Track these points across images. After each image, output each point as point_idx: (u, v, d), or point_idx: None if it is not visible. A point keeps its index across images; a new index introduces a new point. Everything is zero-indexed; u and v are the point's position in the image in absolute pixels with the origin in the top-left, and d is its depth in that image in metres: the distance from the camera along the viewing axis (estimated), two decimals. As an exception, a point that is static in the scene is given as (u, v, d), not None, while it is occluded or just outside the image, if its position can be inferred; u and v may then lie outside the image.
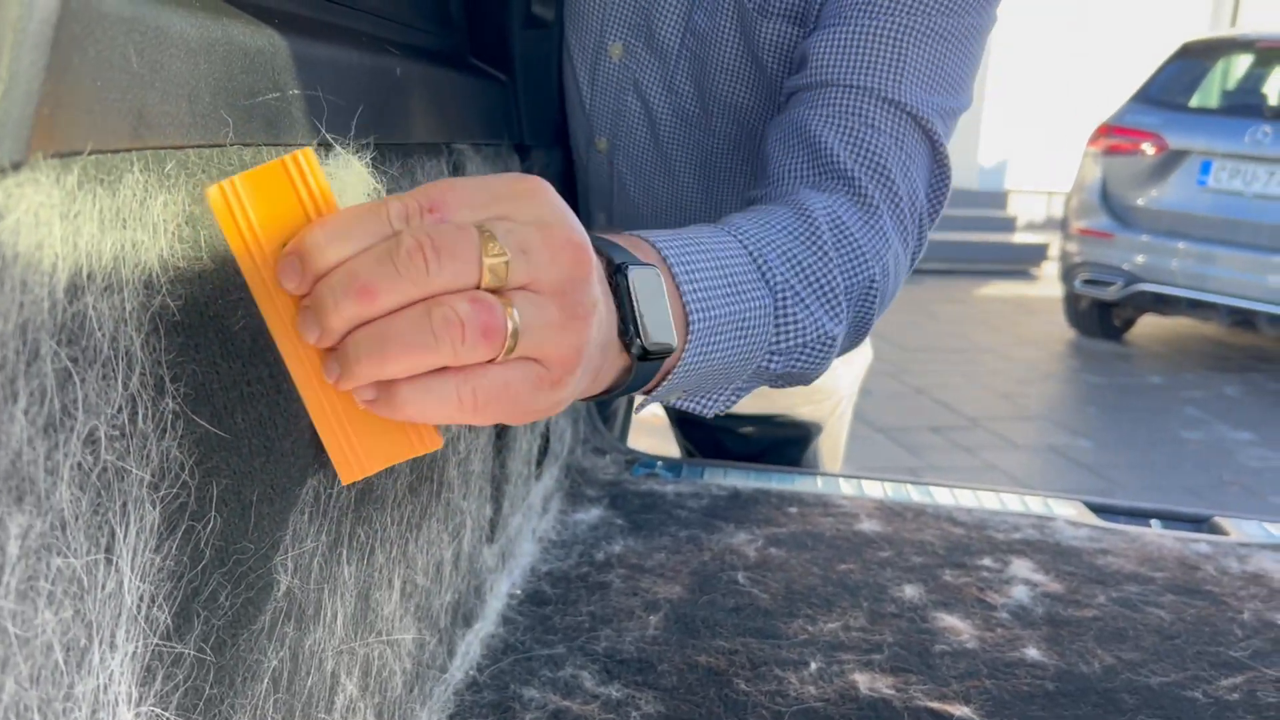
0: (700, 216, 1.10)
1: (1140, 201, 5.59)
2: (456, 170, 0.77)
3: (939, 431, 4.37)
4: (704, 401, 0.71)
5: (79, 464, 0.34)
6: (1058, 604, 0.95)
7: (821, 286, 0.70)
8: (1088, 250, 5.72)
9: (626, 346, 0.52)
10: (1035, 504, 1.21)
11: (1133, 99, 5.80)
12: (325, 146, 0.58)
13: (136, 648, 0.37)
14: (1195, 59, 5.84)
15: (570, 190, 1.12)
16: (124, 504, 0.36)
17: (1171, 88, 5.76)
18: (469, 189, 0.43)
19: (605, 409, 1.34)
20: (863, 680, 0.79)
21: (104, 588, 0.35)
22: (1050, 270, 7.82)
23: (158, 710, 0.39)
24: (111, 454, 0.36)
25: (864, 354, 1.34)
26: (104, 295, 0.35)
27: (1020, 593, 0.97)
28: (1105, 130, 5.77)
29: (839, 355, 0.76)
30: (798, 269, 0.70)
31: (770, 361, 0.69)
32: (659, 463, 1.25)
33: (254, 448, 0.43)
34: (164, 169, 0.40)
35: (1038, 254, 8.74)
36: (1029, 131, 9.55)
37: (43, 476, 0.31)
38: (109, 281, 0.35)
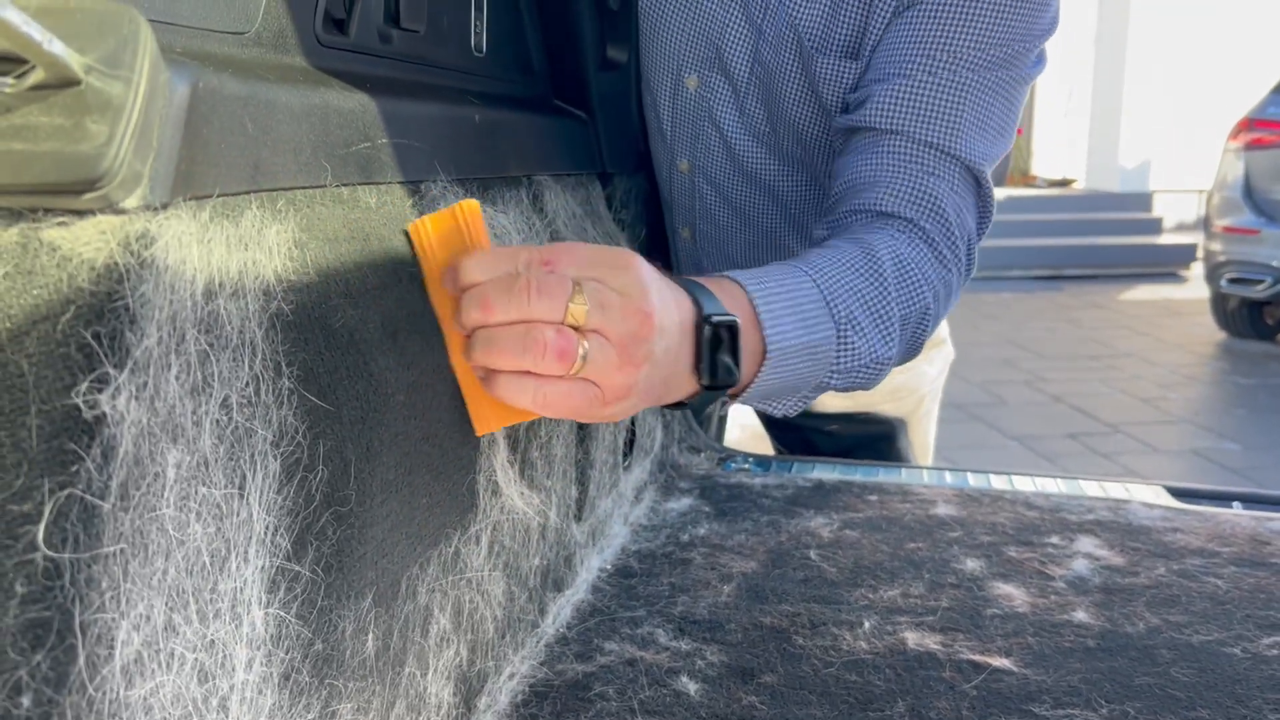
0: (773, 222, 1.21)
1: (1288, 195, 5.39)
2: (535, 199, 0.90)
3: (1076, 438, 4.31)
4: (776, 406, 0.87)
5: (217, 421, 0.46)
6: (1115, 574, 1.01)
7: (879, 315, 0.85)
8: (1233, 248, 5.55)
9: (698, 378, 0.69)
10: (1114, 489, 1.26)
11: (1275, 90, 5.61)
12: (415, 184, 0.71)
13: (264, 563, 0.50)
14: (1342, 44, 5.61)
15: (655, 211, 1.23)
16: (252, 455, 0.49)
17: (1317, 76, 5.55)
18: (579, 253, 0.62)
19: (699, 414, 1.44)
20: (912, 638, 0.87)
21: (238, 515, 0.48)
22: (1199, 271, 7.56)
23: (281, 613, 0.51)
24: (242, 416, 0.48)
25: (944, 352, 1.41)
26: (232, 299, 0.48)
27: (1080, 565, 1.03)
28: (1246, 124, 5.59)
29: (898, 366, 0.92)
30: (860, 300, 0.84)
31: (831, 378, 0.84)
32: (750, 459, 1.35)
33: (351, 418, 0.56)
34: (276, 206, 0.53)
35: (1186, 255, 8.45)
36: (1173, 129, 9.24)
37: (190, 426, 0.44)
38: (235, 289, 0.48)
